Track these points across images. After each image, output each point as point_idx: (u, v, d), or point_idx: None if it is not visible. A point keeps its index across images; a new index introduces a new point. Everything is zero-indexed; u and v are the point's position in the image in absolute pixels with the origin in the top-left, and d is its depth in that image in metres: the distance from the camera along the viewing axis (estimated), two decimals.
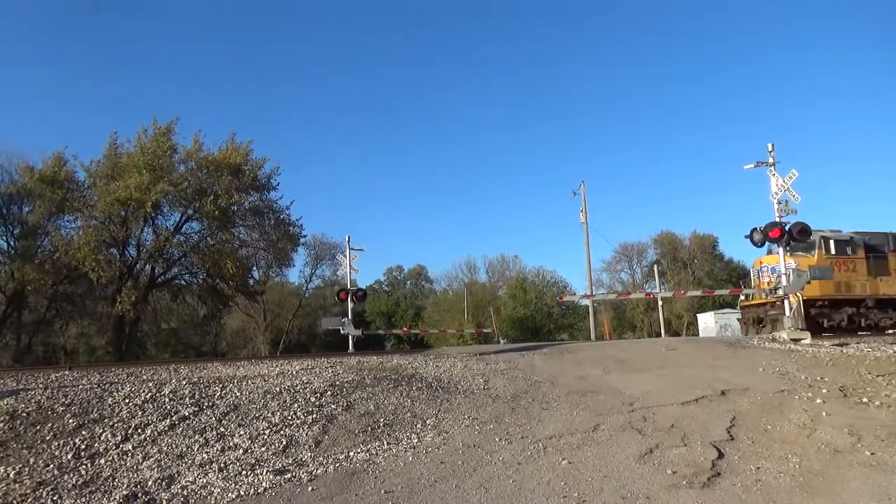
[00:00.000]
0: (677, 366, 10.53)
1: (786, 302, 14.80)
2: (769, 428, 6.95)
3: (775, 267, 20.55)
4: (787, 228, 14.74)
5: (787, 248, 21.20)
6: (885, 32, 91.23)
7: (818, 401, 7.90)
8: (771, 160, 15.26)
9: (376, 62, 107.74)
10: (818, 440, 6.51)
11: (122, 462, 6.30)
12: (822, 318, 20.03)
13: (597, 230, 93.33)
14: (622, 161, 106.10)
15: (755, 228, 15.35)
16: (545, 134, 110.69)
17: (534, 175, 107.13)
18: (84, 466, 6.18)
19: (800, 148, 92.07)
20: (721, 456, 6.09)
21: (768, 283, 20.52)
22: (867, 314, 20.48)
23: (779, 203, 14.97)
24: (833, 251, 20.39)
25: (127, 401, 7.95)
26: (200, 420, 7.40)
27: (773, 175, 15.13)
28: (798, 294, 18.47)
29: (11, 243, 26.89)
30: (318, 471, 6.02)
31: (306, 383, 8.99)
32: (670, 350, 12.23)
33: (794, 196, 14.83)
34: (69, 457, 6.36)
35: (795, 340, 13.46)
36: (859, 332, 19.03)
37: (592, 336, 34.42)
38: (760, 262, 22.44)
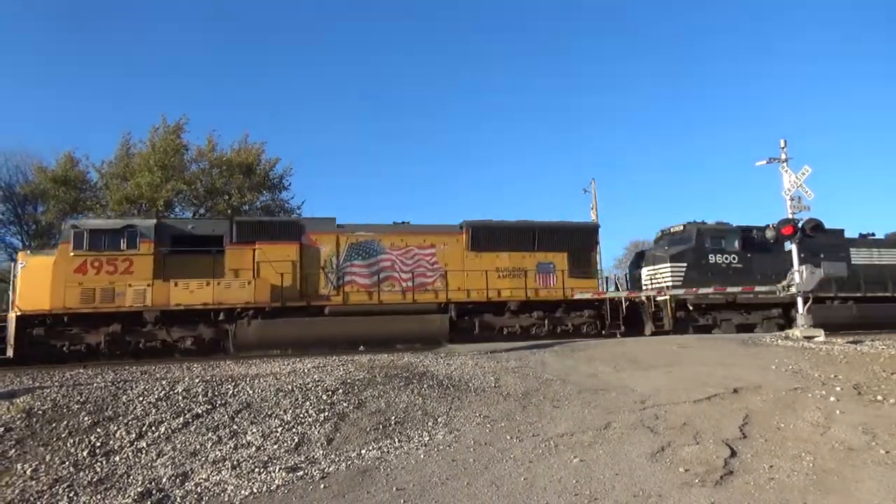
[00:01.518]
0: (689, 363, 10.48)
1: (799, 299, 14.68)
2: (782, 426, 6.91)
3: None
4: (799, 225, 14.65)
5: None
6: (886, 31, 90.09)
7: (832, 399, 7.84)
8: (783, 156, 15.17)
9: (386, 60, 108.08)
10: (832, 438, 6.47)
11: (137, 459, 6.37)
12: (66, 339, 14.27)
13: (608, 227, 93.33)
14: (630, 158, 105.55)
15: (768, 225, 15.29)
16: (549, 133, 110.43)
17: (539, 172, 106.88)
18: (99, 464, 6.25)
19: (810, 145, 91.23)
20: (734, 454, 6.06)
21: None
22: (155, 333, 14.73)
23: (791, 200, 14.88)
24: (87, 245, 14.68)
25: (141, 399, 8.04)
26: (213, 418, 7.46)
27: (786, 171, 15.04)
28: (12, 312, 13.98)
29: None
30: (330, 468, 6.05)
31: (318, 381, 9.03)
32: (682, 348, 12.17)
33: (807, 192, 14.73)
34: (84, 454, 6.44)
35: (809, 338, 13.37)
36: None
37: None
38: None
